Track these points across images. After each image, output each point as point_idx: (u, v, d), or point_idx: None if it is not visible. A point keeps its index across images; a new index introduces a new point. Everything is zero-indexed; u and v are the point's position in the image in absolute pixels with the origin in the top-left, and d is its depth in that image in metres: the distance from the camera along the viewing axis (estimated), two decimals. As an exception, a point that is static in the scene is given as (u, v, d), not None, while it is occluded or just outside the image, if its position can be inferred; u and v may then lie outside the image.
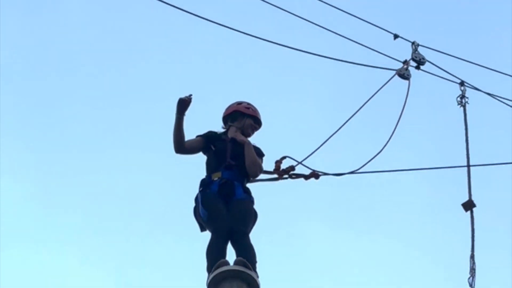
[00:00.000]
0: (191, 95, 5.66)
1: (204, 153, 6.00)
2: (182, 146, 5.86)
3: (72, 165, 12.92)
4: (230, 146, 5.82)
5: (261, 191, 5.91)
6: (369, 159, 6.09)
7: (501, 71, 6.56)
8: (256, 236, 5.40)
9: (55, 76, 13.80)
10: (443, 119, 6.36)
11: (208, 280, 5.01)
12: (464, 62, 6.32)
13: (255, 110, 6.13)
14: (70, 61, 13.62)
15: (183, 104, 5.70)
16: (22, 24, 14.44)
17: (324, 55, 6.16)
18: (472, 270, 5.55)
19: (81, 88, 13.31)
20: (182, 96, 5.67)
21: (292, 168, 6.16)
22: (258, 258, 5.23)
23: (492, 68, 6.49)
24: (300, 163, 6.16)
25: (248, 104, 6.15)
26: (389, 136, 6.17)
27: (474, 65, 6.37)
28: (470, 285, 5.47)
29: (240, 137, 5.87)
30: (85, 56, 13.38)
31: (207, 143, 5.96)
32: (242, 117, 6.06)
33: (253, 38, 5.96)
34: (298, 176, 6.17)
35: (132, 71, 13.70)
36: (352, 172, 6.27)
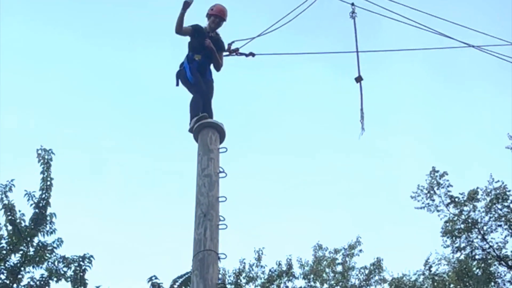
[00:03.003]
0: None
1: (190, 37, 8.78)
2: (180, 30, 8.62)
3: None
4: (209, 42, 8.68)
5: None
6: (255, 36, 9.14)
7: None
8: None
9: None
10: (344, 26, 9.23)
11: (194, 126, 7.73)
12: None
13: (218, 9, 8.87)
14: None
15: (186, 5, 8.42)
16: None
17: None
18: (362, 118, 8.82)
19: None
20: None
21: (237, 49, 9.15)
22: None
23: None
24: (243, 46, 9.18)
25: (214, 5, 8.91)
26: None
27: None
28: (361, 123, 8.77)
29: (208, 45, 8.65)
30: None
31: (193, 32, 8.77)
32: (210, 17, 8.91)
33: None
34: (242, 54, 9.17)
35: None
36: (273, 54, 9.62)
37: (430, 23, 9.74)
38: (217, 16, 8.87)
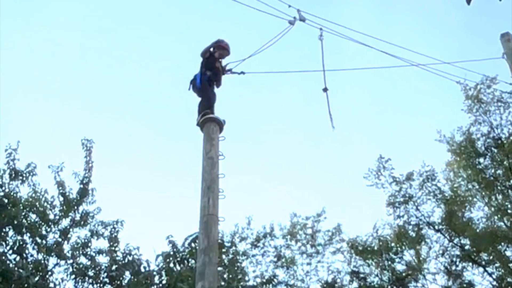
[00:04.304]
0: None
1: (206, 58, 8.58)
2: (204, 56, 8.45)
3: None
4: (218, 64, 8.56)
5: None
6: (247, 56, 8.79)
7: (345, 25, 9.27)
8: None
9: None
10: (313, 47, 9.01)
11: (200, 120, 7.64)
12: (325, 19, 9.03)
13: (228, 47, 8.67)
14: None
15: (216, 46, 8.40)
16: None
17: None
18: (331, 119, 8.51)
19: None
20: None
21: (230, 69, 8.84)
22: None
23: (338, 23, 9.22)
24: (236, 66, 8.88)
25: (227, 43, 8.66)
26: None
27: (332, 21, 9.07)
28: (331, 123, 8.49)
29: (218, 67, 8.49)
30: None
31: (209, 55, 8.53)
32: (222, 50, 8.67)
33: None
34: (235, 72, 8.85)
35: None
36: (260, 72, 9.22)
37: (380, 44, 9.59)
38: (228, 51, 8.71)
